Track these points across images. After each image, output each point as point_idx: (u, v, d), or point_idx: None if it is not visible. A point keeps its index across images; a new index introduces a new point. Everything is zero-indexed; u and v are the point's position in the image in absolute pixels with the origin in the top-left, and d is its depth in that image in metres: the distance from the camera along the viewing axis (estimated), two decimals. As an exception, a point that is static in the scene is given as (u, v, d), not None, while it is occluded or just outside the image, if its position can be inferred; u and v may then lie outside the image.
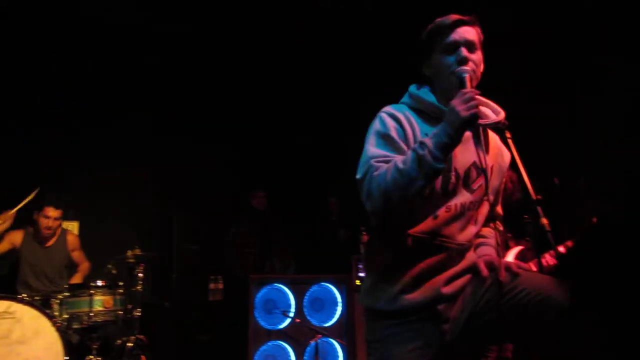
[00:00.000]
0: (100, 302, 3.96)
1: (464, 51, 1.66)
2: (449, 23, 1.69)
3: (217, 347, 4.86)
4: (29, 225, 4.38)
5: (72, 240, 4.56)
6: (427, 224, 1.65)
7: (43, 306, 3.76)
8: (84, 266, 4.58)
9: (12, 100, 4.85)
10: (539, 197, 2.46)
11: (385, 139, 1.65)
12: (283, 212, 5.75)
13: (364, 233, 5.02)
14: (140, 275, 4.22)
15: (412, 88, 1.80)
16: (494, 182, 1.81)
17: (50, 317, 3.68)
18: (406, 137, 1.65)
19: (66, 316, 3.89)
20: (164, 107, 5.64)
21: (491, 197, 1.78)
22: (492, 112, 1.77)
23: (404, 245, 1.65)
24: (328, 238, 5.96)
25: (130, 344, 3.98)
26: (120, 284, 4.18)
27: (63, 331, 3.72)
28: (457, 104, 1.53)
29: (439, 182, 1.64)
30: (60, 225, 4.47)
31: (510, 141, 2.63)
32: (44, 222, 4.33)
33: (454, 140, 1.53)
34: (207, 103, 5.79)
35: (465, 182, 1.70)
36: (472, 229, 1.74)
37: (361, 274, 4.66)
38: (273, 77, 5.62)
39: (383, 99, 1.88)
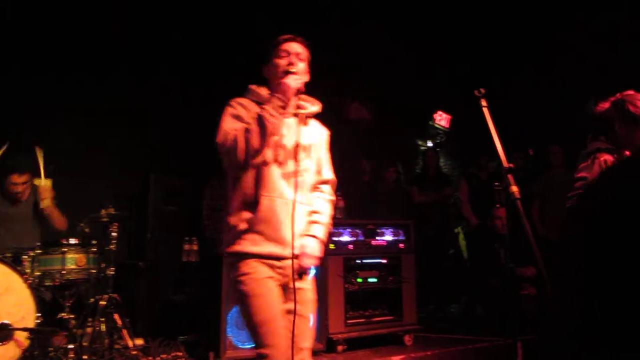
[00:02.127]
0: (73, 260, 3.96)
1: (293, 57, 2.36)
2: (285, 38, 2.40)
3: (191, 308, 4.91)
4: None
5: (43, 190, 4.45)
6: (271, 186, 2.23)
7: (14, 262, 3.74)
8: (60, 222, 4.50)
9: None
10: (511, 165, 2.52)
11: (235, 117, 2.28)
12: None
13: (339, 197, 5.07)
14: (114, 234, 4.21)
15: (252, 87, 2.43)
16: (315, 155, 2.43)
17: (22, 274, 3.67)
18: (248, 116, 2.26)
19: (38, 273, 3.89)
20: (143, 64, 5.53)
21: (311, 166, 2.40)
22: (312, 105, 2.44)
23: (255, 203, 2.22)
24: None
25: (103, 303, 4.00)
26: (94, 242, 4.17)
27: (35, 288, 3.72)
28: (286, 80, 2.24)
29: (273, 154, 2.26)
30: (29, 185, 4.40)
31: (485, 109, 2.66)
32: (12, 188, 4.28)
33: (285, 103, 2.23)
34: (186, 60, 5.69)
35: (292, 155, 2.31)
36: (300, 192, 2.29)
37: (335, 238, 4.73)
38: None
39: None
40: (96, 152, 5.31)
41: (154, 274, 4.94)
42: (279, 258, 2.21)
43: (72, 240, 4.02)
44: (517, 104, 6.46)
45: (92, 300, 4.06)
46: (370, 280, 4.83)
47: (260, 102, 2.29)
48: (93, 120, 5.28)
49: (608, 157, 2.79)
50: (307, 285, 2.34)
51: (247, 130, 2.15)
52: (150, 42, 5.58)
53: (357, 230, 4.89)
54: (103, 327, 3.97)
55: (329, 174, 2.51)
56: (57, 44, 5.12)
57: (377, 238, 4.96)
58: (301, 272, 2.26)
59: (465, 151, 7.81)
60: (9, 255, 3.83)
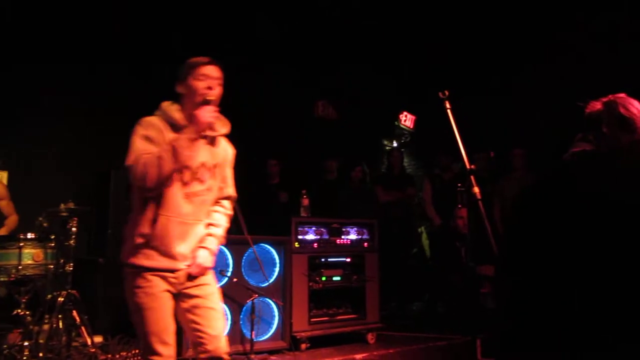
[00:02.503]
0: (29, 256, 3.85)
1: (211, 82, 2.41)
2: (205, 61, 2.45)
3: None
4: None
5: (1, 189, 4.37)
6: (172, 206, 2.35)
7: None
8: (11, 219, 4.41)
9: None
10: (472, 166, 2.57)
11: (147, 138, 2.33)
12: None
13: (305, 196, 5.08)
14: (74, 229, 4.10)
15: (164, 105, 2.47)
16: (219, 174, 2.53)
17: (-25, 269, 3.55)
18: (161, 138, 2.34)
19: (-8, 269, 3.76)
20: (103, 56, 5.42)
21: (216, 184, 2.50)
22: (222, 127, 2.55)
23: (157, 221, 2.34)
24: (268, 200, 5.98)
25: (61, 299, 3.90)
26: (52, 237, 4.06)
27: (-11, 284, 3.61)
28: (202, 113, 2.32)
29: (180, 175, 2.35)
30: None
31: (449, 111, 2.70)
32: None
33: (197, 136, 2.32)
34: (150, 54, 5.59)
35: (198, 176, 2.42)
36: (202, 210, 2.45)
37: (300, 237, 4.74)
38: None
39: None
40: (57, 146, 5.17)
41: (114, 270, 4.83)
42: (172, 271, 2.36)
43: (30, 235, 3.91)
44: (482, 106, 6.59)
45: (49, 296, 3.95)
46: (335, 278, 4.86)
47: (172, 124, 2.39)
48: (54, 114, 5.14)
49: None
50: (208, 280, 2.49)
51: (158, 158, 2.25)
52: (106, 33, 5.43)
53: (322, 229, 4.91)
54: (61, 324, 3.87)
55: (230, 190, 2.64)
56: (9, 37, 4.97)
57: (341, 237, 5.00)
58: (191, 277, 2.42)
59: (429, 152, 7.93)
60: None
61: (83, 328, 3.98)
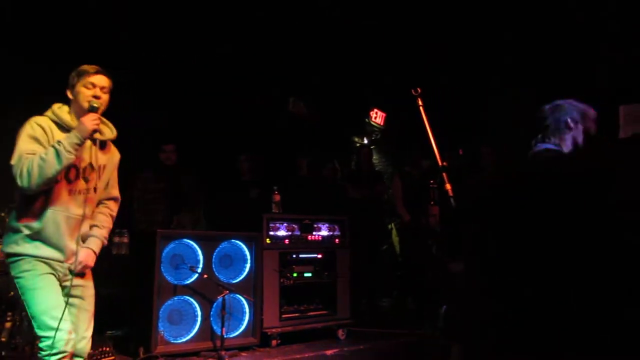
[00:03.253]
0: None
1: (98, 90, 2.57)
2: (94, 70, 2.59)
3: (121, 302, 4.74)
4: None
5: None
6: (59, 201, 2.49)
7: None
8: None
9: None
10: (445, 164, 2.60)
11: (33, 138, 2.43)
12: (194, 168, 5.63)
13: (276, 192, 5.06)
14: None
15: (55, 106, 2.58)
16: (106, 175, 2.72)
17: None
18: (47, 139, 2.45)
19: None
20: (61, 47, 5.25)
21: (101, 185, 2.68)
22: (109, 130, 2.73)
23: (42, 214, 2.47)
24: (239, 196, 5.93)
25: (25, 297, 3.79)
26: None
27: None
28: (87, 120, 2.46)
29: (66, 173, 2.48)
30: None
31: (421, 109, 2.73)
32: None
33: (81, 142, 2.44)
34: (115, 43, 5.45)
35: (83, 175, 2.57)
36: (87, 207, 2.60)
37: (271, 233, 4.72)
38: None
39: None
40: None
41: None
42: (58, 261, 2.51)
43: (-9, 231, 3.78)
44: (450, 103, 6.67)
45: (11, 293, 3.83)
46: (306, 275, 4.86)
47: (60, 125, 2.52)
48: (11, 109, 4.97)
49: None
50: (87, 283, 2.65)
51: (42, 159, 2.36)
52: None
53: (294, 225, 4.90)
54: (24, 322, 3.76)
55: (115, 192, 2.83)
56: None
57: (313, 233, 5.00)
58: (74, 273, 2.56)
59: (399, 149, 7.99)
60: None
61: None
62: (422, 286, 5.62)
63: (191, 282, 4.29)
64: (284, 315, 4.64)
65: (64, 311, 2.40)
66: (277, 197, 5.05)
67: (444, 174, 2.56)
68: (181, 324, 4.26)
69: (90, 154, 2.60)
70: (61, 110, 2.58)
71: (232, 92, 6.51)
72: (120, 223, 4.95)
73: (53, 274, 2.50)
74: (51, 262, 2.49)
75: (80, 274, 2.61)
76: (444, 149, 2.72)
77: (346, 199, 6.49)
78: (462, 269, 5.48)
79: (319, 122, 7.59)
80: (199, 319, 4.28)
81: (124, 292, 4.72)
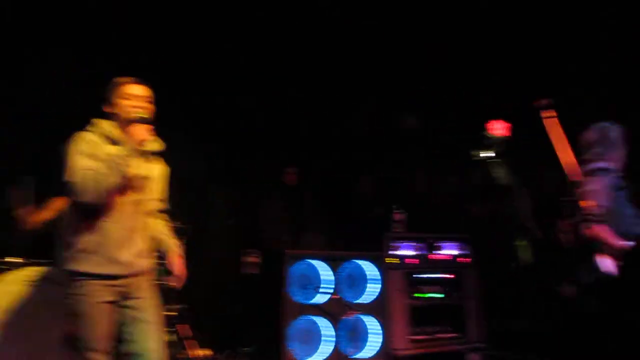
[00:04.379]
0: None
1: (137, 100, 2.56)
2: (128, 81, 2.60)
3: (250, 320, 4.92)
4: None
5: None
6: (111, 213, 2.46)
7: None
8: None
9: None
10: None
11: (85, 155, 2.43)
12: (316, 189, 5.74)
13: (399, 211, 5.00)
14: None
15: (97, 121, 2.58)
16: (155, 187, 2.71)
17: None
18: (96, 153, 2.45)
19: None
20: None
21: (151, 197, 2.68)
22: (155, 144, 2.67)
23: (99, 225, 2.46)
24: (361, 215, 5.94)
25: (172, 313, 4.03)
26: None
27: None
28: (137, 131, 2.47)
29: (119, 186, 2.44)
30: None
31: (548, 121, 2.63)
32: None
33: (133, 153, 2.43)
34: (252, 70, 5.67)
35: (134, 187, 2.56)
36: (140, 218, 2.59)
37: (392, 252, 4.65)
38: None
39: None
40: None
41: (216, 286, 4.99)
42: (115, 277, 2.46)
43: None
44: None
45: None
46: (433, 295, 4.72)
47: (108, 138, 2.53)
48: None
49: (607, 176, 3.08)
50: (146, 294, 2.60)
51: (97, 173, 2.36)
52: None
53: (418, 244, 4.80)
54: (172, 338, 4.00)
55: (166, 204, 2.85)
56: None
57: (438, 252, 4.86)
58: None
59: (525, 161, 7.57)
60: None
61: (189, 341, 4.10)
62: (558, 307, 5.23)
63: (318, 302, 4.34)
64: (412, 337, 4.53)
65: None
66: (399, 216, 4.98)
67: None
68: (310, 343, 4.31)
69: (140, 166, 2.58)
70: (106, 124, 2.58)
71: (348, 113, 6.56)
72: (249, 243, 5.20)
73: (109, 300, 2.45)
74: (107, 281, 2.44)
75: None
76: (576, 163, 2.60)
77: (470, 216, 6.25)
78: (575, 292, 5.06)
79: (436, 136, 7.40)
80: (328, 338, 4.31)
81: (252, 310, 4.90)
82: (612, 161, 3.15)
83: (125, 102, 2.55)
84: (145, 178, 2.62)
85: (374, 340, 4.45)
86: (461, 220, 6.03)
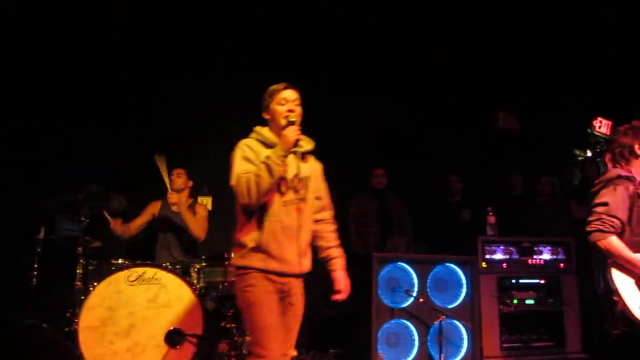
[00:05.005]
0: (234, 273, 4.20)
1: (291, 104, 2.71)
2: (283, 86, 2.75)
3: (340, 322, 4.96)
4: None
5: (200, 210, 4.81)
6: (274, 213, 2.59)
7: (184, 274, 4.08)
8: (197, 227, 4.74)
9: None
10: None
11: (245, 159, 2.63)
12: (404, 191, 5.69)
13: (490, 213, 4.85)
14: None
15: (257, 128, 2.78)
16: (313, 185, 2.79)
17: (191, 285, 3.99)
18: (256, 157, 2.63)
19: (203, 284, 4.20)
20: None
21: (310, 195, 2.75)
22: (307, 143, 2.79)
23: (261, 226, 2.59)
24: (450, 218, 5.81)
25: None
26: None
27: (201, 298, 4.02)
28: (288, 132, 2.59)
29: (278, 186, 2.60)
30: (190, 195, 4.80)
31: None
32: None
33: (286, 153, 2.57)
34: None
35: (292, 186, 2.68)
36: (301, 217, 2.66)
37: (487, 256, 4.53)
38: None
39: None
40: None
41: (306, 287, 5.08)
42: (280, 274, 2.58)
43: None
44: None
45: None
46: (527, 301, 4.54)
47: (264, 144, 2.69)
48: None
49: (629, 185, 2.88)
50: (298, 302, 2.69)
51: (256, 176, 2.49)
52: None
53: (511, 248, 4.64)
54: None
55: (327, 201, 2.91)
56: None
57: (533, 256, 4.67)
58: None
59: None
60: (178, 267, 4.19)
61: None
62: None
63: (407, 306, 4.31)
64: (504, 345, 4.38)
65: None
66: (492, 219, 4.83)
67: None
68: (399, 347, 4.30)
69: (295, 166, 2.69)
70: (263, 130, 2.76)
71: (436, 112, 6.46)
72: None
73: (276, 293, 2.57)
74: (273, 276, 2.57)
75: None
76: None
77: (571, 219, 5.92)
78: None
79: (534, 136, 7.08)
80: (417, 343, 4.28)
81: (342, 312, 4.94)
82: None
83: (279, 108, 2.71)
84: (300, 178, 2.71)
85: (464, 346, 4.35)
86: (561, 223, 5.74)
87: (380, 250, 5.19)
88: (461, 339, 4.37)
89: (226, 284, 4.18)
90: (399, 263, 4.41)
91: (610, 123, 8.06)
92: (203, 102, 5.43)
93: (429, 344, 4.28)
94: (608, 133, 8.10)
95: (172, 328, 3.83)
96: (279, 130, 2.67)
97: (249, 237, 2.58)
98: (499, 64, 6.73)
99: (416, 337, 4.28)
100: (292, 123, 2.63)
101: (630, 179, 2.91)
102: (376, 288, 4.26)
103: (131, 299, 3.83)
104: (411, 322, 4.30)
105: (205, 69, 5.56)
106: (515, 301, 4.49)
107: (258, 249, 2.56)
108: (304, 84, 2.85)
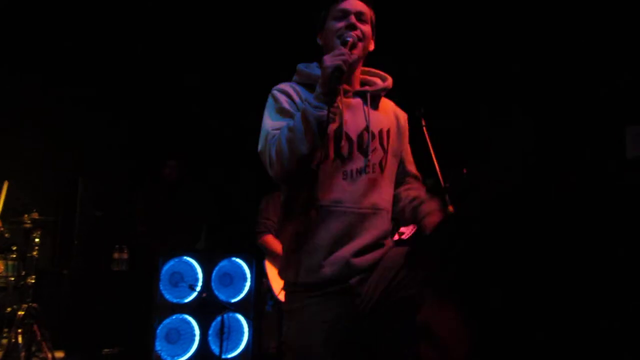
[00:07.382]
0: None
1: (352, 18, 1.78)
2: None
3: (119, 319, 4.68)
4: None
5: None
6: (331, 191, 1.71)
7: None
8: None
9: None
10: (447, 185, 2.54)
11: (279, 111, 1.75)
12: (196, 184, 5.60)
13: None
14: (37, 240, 3.96)
15: (300, 66, 1.89)
16: (394, 143, 1.89)
17: None
18: (297, 107, 1.75)
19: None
20: (64, 61, 5.25)
21: (390, 159, 1.85)
22: (380, 80, 1.92)
23: (308, 215, 1.71)
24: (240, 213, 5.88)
25: (21, 313, 3.75)
26: (14, 248, 3.91)
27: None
28: (327, 58, 1.63)
29: (331, 148, 1.72)
30: None
31: (424, 129, 2.70)
32: None
33: (328, 88, 1.59)
34: (117, 59, 5.42)
35: (360, 146, 1.77)
36: (376, 193, 1.78)
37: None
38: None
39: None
40: (21, 153, 5.00)
41: (79, 282, 4.69)
42: (343, 283, 1.74)
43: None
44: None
45: (9, 309, 3.79)
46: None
47: (309, 85, 1.79)
48: (14, 120, 4.96)
49: None
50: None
51: (289, 130, 1.61)
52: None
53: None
54: (20, 339, 3.71)
55: (413, 167, 2.02)
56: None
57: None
58: None
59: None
60: None
61: (44, 343, 3.83)
62: None
63: (190, 301, 4.23)
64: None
65: None
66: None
67: (446, 196, 2.48)
68: (178, 343, 4.19)
69: (364, 116, 1.80)
70: (309, 66, 1.88)
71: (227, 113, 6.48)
72: (119, 238, 4.95)
73: (342, 313, 1.69)
74: (334, 291, 1.70)
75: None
76: (447, 168, 2.64)
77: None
78: None
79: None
80: (197, 338, 4.22)
81: (121, 309, 4.67)
82: None
83: (334, 24, 1.80)
84: (373, 133, 1.81)
85: (244, 340, 4.42)
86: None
87: (167, 244, 5.02)
88: (242, 331, 4.43)
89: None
90: (184, 257, 4.31)
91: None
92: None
93: (210, 338, 4.26)
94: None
95: None
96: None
97: (292, 233, 1.78)
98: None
99: (197, 332, 4.22)
100: (345, 43, 1.71)
101: None
102: (158, 282, 4.11)
103: None
104: (193, 317, 4.23)
105: None
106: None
107: (304, 249, 1.72)
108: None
